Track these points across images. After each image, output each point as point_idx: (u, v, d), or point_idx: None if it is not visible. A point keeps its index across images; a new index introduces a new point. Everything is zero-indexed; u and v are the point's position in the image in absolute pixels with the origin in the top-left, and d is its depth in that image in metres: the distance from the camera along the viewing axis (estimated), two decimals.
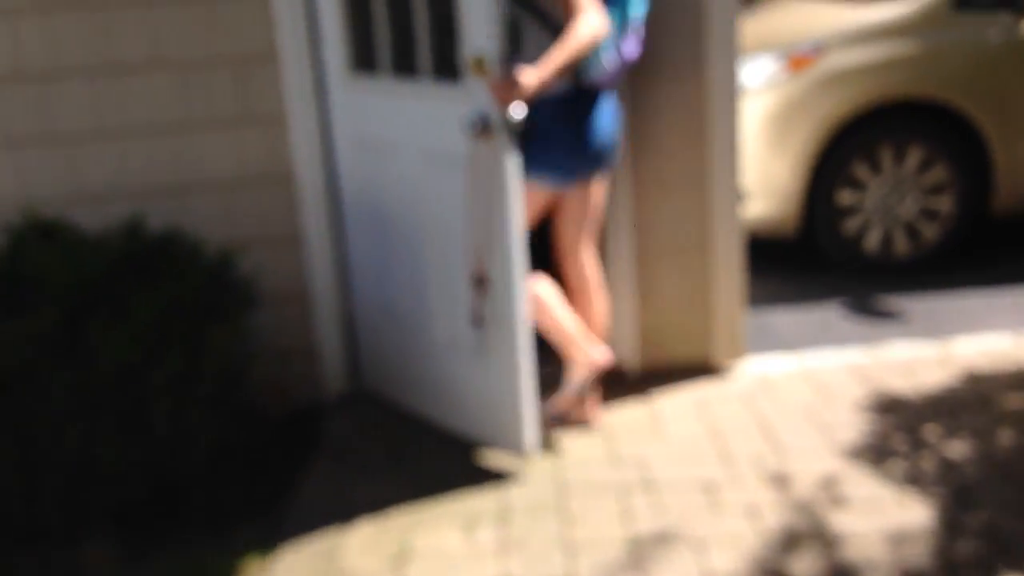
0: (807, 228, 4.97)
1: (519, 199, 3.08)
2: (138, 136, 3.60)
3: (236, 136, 3.62)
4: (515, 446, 3.30)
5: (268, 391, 3.62)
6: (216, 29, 3.54)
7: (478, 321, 3.21)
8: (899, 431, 3.41)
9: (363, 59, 3.53)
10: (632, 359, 3.92)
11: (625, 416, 3.65)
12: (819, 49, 4.87)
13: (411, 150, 3.38)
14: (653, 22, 3.58)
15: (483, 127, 3.02)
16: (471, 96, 3.06)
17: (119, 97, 3.56)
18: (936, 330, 4.28)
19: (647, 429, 3.55)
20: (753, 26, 5.43)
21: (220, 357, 3.08)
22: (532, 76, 2.95)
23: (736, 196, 3.78)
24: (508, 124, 2.98)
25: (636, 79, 3.63)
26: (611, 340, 3.88)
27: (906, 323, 4.42)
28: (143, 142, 3.60)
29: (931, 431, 3.39)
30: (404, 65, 3.35)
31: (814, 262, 5.09)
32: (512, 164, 3.04)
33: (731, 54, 3.64)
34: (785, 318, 4.55)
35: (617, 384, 3.84)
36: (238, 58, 3.57)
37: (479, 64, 2.95)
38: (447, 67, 3.17)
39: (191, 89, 3.58)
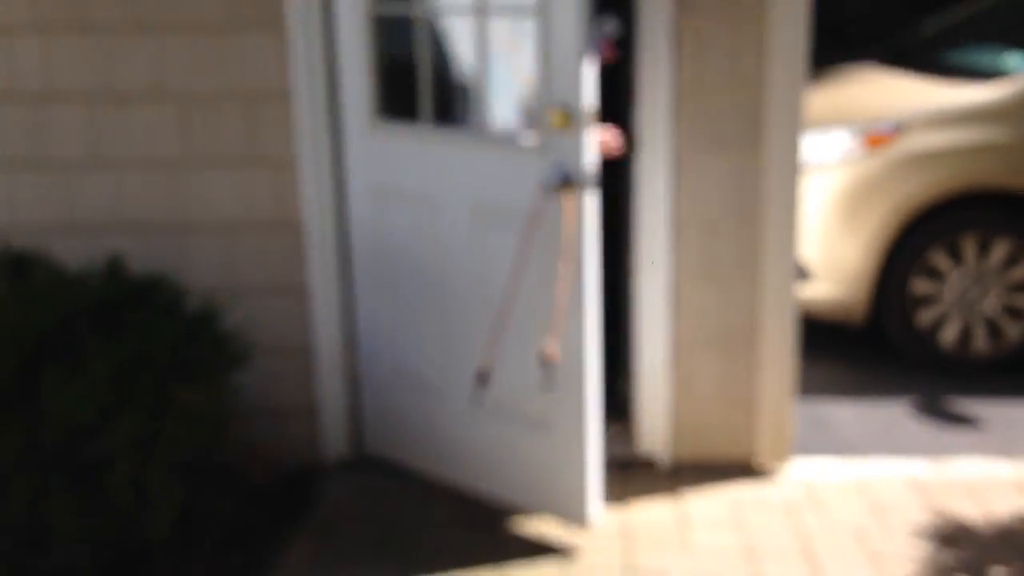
0: (876, 316, 4.56)
1: (595, 259, 2.93)
2: (136, 168, 3.34)
3: (241, 176, 3.36)
4: (577, 517, 3.10)
5: (261, 452, 3.37)
6: (226, 62, 3.28)
7: (548, 386, 2.96)
8: (963, 571, 2.95)
9: (393, 104, 3.29)
10: (664, 451, 3.52)
11: (650, 515, 3.24)
12: (900, 128, 4.50)
13: (455, 203, 3.17)
14: (706, 91, 3.26)
15: (563, 184, 2.84)
16: (547, 151, 2.89)
17: (118, 126, 3.31)
18: (1013, 444, 3.83)
19: (672, 535, 3.14)
20: (825, 96, 5.09)
21: (189, 420, 2.75)
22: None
23: (791, 284, 3.39)
24: (594, 181, 2.87)
25: (683, 152, 3.30)
26: (643, 429, 3.49)
27: (979, 432, 3.96)
28: (141, 175, 3.34)
29: (1000, 573, 2.93)
30: (445, 114, 3.19)
31: (881, 353, 4.67)
32: (593, 222, 2.90)
33: (794, 129, 3.28)
34: (843, 412, 4.13)
35: (645, 476, 3.45)
36: (248, 94, 3.31)
37: (564, 117, 2.79)
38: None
39: (195, 123, 3.31)
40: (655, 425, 3.50)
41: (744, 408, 3.48)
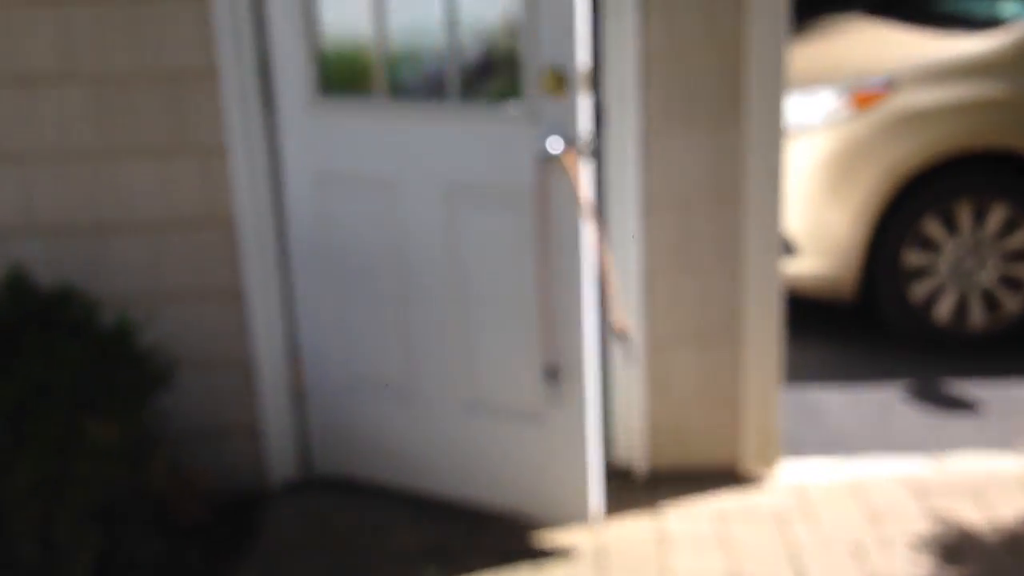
0: (866, 291, 4.27)
1: (592, 232, 2.73)
2: (46, 162, 2.97)
3: (165, 168, 2.99)
4: (579, 515, 2.92)
5: (196, 480, 3.03)
6: (142, 38, 2.89)
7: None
8: None
9: (338, 79, 2.98)
10: (639, 459, 3.22)
11: (625, 531, 2.96)
12: (890, 84, 4.17)
13: (421, 185, 2.90)
14: (678, 54, 2.92)
15: (563, 151, 2.65)
16: (537, 118, 2.68)
17: (23, 114, 2.94)
18: (1016, 428, 3.55)
19: (649, 558, 2.85)
20: (808, 52, 4.75)
21: (102, 455, 2.43)
22: None
23: (776, 269, 3.08)
24: (590, 149, 2.71)
25: (654, 124, 2.97)
26: (616, 435, 3.20)
27: (978, 417, 3.69)
28: (52, 169, 2.97)
29: None
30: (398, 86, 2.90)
31: (872, 331, 4.38)
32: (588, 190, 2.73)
33: (776, 94, 2.95)
34: (833, 399, 3.85)
35: (621, 488, 3.15)
36: (169, 73, 2.94)
37: (558, 80, 2.59)
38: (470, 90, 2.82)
39: (111, 108, 2.94)
40: (629, 429, 3.20)
41: (727, 408, 3.18)
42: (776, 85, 2.94)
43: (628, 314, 3.06)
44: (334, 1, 2.90)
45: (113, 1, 2.87)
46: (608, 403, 3.19)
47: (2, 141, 2.95)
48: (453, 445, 3.06)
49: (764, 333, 3.11)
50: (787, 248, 4.13)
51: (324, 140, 2.99)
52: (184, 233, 3.04)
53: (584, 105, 2.64)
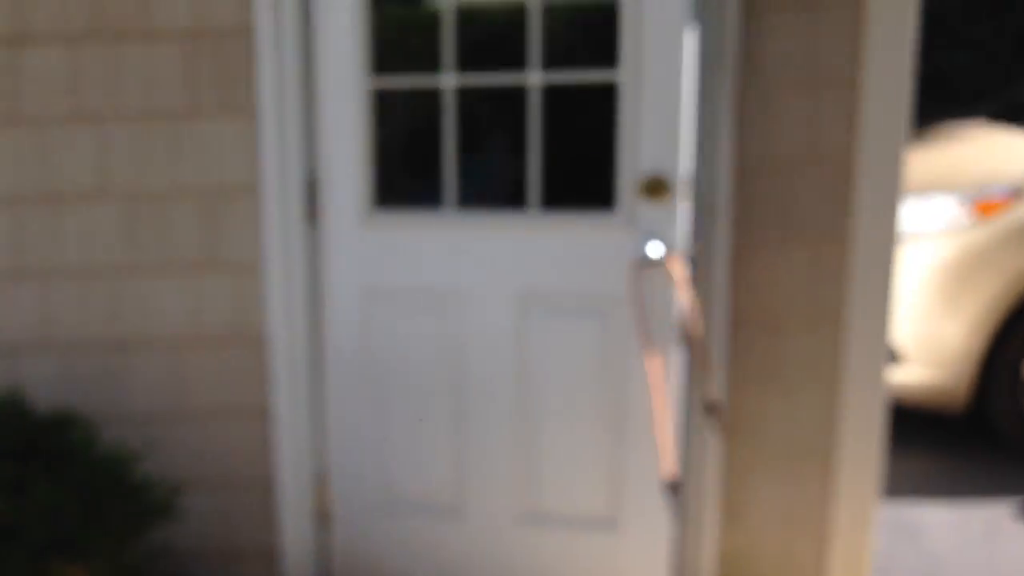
0: (978, 401, 4.09)
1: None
2: (67, 278, 2.97)
3: (194, 284, 2.96)
4: None
5: None
6: (181, 154, 2.87)
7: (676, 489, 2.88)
8: None
9: (392, 190, 2.93)
10: None
11: None
12: (1016, 193, 4.02)
13: (491, 295, 2.86)
14: (776, 168, 2.81)
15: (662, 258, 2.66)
16: (630, 224, 2.68)
17: (48, 230, 2.95)
18: None
19: None
20: (927, 158, 4.61)
21: None
22: None
23: (880, 388, 2.95)
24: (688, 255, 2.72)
25: (742, 239, 2.85)
26: (682, 567, 3.07)
27: None
28: (73, 285, 2.97)
29: None
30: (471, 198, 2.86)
31: (981, 442, 4.22)
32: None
33: (890, 208, 2.79)
34: (934, 516, 3.65)
35: None
36: (206, 189, 2.90)
37: (658, 186, 2.61)
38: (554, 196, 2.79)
39: (142, 224, 2.93)
40: (699, 560, 3.04)
41: (811, 535, 3.01)
42: (890, 198, 2.78)
43: (707, 436, 2.95)
44: (397, 109, 2.87)
45: (155, 119, 2.86)
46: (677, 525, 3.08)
47: (20, 257, 2.97)
48: (514, 559, 2.98)
49: (861, 456, 2.94)
50: (892, 357, 4.00)
51: (377, 253, 2.92)
52: (211, 351, 2.98)
53: (684, 210, 2.62)
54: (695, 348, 2.77)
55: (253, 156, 2.85)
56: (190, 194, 2.89)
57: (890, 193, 2.78)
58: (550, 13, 2.70)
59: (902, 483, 3.81)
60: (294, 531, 3.08)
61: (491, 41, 2.77)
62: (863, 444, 2.94)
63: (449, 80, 2.79)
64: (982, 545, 3.45)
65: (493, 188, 2.86)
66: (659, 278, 2.66)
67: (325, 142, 2.87)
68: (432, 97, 2.80)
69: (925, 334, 4.03)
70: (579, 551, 2.90)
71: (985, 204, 4.04)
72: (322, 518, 3.11)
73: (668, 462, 2.73)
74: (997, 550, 3.42)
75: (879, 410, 2.92)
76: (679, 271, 2.63)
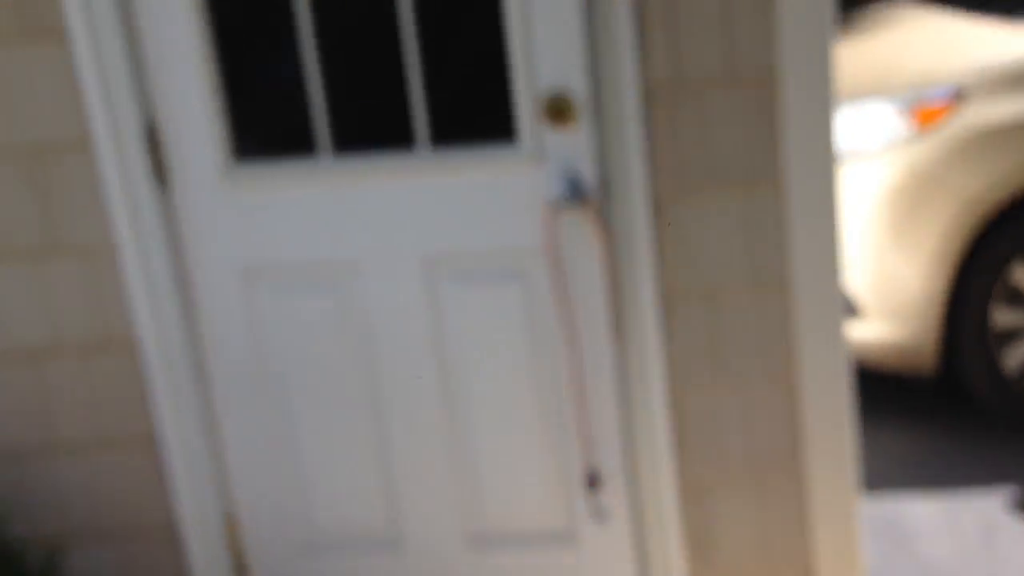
0: (948, 360, 3.55)
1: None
2: None
3: (39, 276, 2.47)
4: None
5: None
6: None
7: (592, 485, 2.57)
8: None
9: (254, 139, 2.50)
10: None
11: None
12: (960, 95, 3.42)
13: (393, 263, 2.49)
14: (689, 91, 2.31)
15: (575, 199, 2.35)
16: (539, 157, 2.37)
17: None
18: None
19: None
20: (854, 52, 4.05)
21: None
22: None
23: (843, 373, 2.28)
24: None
25: (662, 190, 2.37)
26: None
27: None
28: None
29: None
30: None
31: (961, 411, 3.66)
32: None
33: (826, 141, 2.31)
34: (921, 512, 3.07)
35: None
36: (32, 148, 2.40)
37: (563, 107, 2.30)
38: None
39: None
40: None
41: (792, 567, 2.48)
42: (825, 130, 2.30)
43: (653, 450, 2.49)
44: (245, 39, 2.43)
45: None
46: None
47: None
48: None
49: (834, 460, 2.39)
50: (848, 309, 3.48)
51: (247, 220, 2.46)
52: (75, 361, 2.52)
53: (594, 135, 2.33)
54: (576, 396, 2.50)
55: (75, 96, 2.35)
56: (5, 155, 2.40)
57: (824, 123, 2.33)
58: None
59: (878, 472, 3.23)
60: None
61: None
62: (834, 445, 2.44)
63: None
64: (981, 548, 2.90)
65: (375, 130, 2.48)
66: (581, 226, 2.38)
67: (160, 73, 2.42)
68: (286, 15, 2.40)
69: (880, 279, 3.49)
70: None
71: (925, 111, 3.49)
72: (239, 569, 2.75)
73: (586, 452, 2.48)
74: (999, 553, 2.89)
75: (845, 397, 2.48)
76: (596, 224, 2.36)
